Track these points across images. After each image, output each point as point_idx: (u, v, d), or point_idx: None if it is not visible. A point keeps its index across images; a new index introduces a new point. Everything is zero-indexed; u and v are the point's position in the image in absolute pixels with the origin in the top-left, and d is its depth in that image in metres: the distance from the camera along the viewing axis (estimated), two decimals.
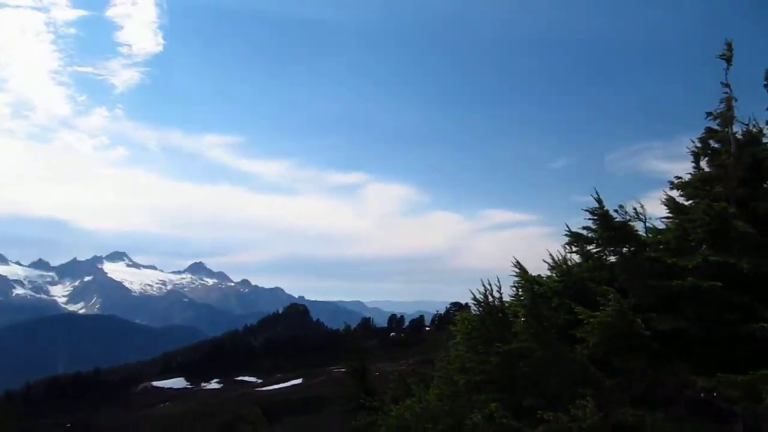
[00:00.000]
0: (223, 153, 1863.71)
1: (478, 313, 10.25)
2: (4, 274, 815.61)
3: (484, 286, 10.05)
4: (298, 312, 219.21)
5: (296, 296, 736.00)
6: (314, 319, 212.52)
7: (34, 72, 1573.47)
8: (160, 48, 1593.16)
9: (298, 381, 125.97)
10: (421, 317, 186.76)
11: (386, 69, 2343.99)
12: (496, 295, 10.11)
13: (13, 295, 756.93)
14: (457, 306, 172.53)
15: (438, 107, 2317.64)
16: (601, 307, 9.28)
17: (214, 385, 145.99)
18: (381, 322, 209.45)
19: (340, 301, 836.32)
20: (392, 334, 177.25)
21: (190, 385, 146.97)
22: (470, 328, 10.18)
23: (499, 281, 10.07)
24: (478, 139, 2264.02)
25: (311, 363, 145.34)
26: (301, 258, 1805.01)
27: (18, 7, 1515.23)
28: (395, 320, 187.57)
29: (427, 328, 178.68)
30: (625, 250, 10.69)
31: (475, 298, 10.15)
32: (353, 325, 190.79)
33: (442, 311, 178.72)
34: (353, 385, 22.29)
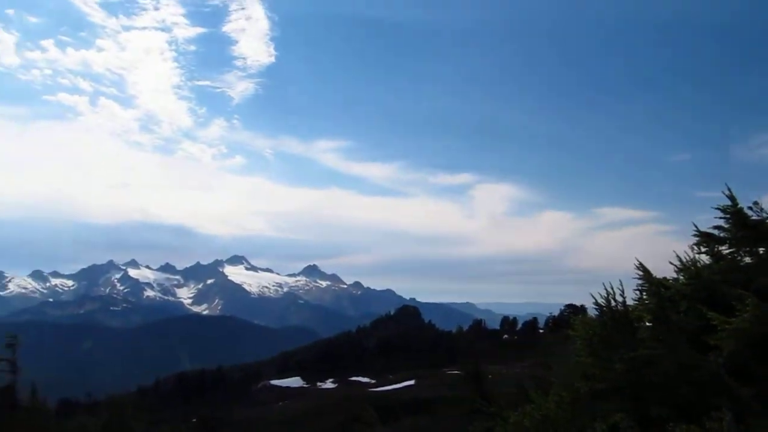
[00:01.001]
0: (334, 157, 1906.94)
1: (599, 317, 9.75)
2: (135, 277, 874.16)
3: (606, 289, 9.54)
4: (409, 313, 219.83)
5: (407, 298, 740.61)
6: (426, 320, 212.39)
7: (158, 88, 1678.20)
8: (273, 59, 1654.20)
9: (411, 382, 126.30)
10: (534, 319, 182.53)
11: (492, 68, 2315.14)
12: (619, 298, 9.58)
13: (144, 297, 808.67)
14: (571, 308, 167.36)
15: (546, 104, 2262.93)
16: (737, 312, 8.59)
17: (329, 384, 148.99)
18: (493, 323, 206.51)
19: (452, 303, 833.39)
20: (505, 336, 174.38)
21: (307, 384, 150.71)
22: (591, 333, 9.71)
23: (621, 284, 9.54)
24: (589, 135, 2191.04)
25: (423, 364, 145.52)
26: (412, 260, 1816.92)
27: (144, 28, 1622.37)
28: (508, 322, 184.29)
29: (541, 331, 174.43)
30: (762, 250, 9.84)
31: (596, 302, 9.65)
32: (465, 327, 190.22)
33: (555, 313, 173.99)
34: (468, 388, 21.97)
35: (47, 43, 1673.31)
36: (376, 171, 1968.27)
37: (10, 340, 15.19)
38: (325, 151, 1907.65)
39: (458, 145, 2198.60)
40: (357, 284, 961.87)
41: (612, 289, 9.51)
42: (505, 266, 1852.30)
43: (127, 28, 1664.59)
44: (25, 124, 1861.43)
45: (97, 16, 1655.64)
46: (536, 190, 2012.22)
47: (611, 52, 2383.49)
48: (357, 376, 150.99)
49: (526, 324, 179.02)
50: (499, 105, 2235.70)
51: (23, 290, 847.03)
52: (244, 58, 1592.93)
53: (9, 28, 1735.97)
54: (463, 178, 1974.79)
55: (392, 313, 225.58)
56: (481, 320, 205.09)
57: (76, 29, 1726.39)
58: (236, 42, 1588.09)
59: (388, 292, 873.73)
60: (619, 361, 9.03)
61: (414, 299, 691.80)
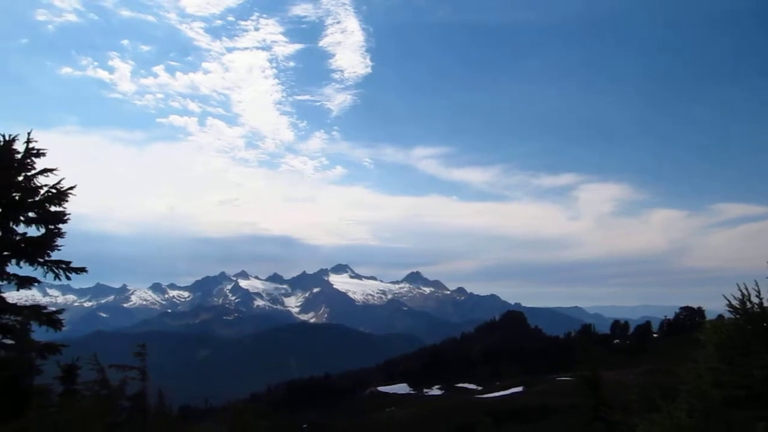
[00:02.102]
0: (433, 164, 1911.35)
1: (733, 321, 9.10)
2: (245, 287, 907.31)
3: (740, 290, 8.89)
4: (515, 319, 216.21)
5: (512, 303, 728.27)
6: (532, 326, 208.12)
7: (261, 105, 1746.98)
8: (369, 70, 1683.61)
9: (519, 389, 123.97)
10: (648, 323, 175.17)
11: (592, 64, 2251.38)
12: (755, 300, 8.91)
13: (254, 306, 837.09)
14: (688, 310, 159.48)
15: (651, 98, 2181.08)
16: None
17: (435, 391, 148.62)
18: (603, 328, 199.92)
19: (558, 307, 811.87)
20: (616, 341, 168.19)
21: (413, 391, 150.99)
22: (724, 337, 9.09)
23: (757, 285, 8.85)
24: (699, 128, 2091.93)
25: (532, 371, 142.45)
26: (515, 264, 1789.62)
27: (246, 49, 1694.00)
28: (619, 326, 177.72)
29: (655, 335, 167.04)
30: None
31: (729, 305, 9.02)
32: (573, 332, 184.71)
33: (670, 316, 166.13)
34: (587, 395, 21.18)
35: (158, 69, 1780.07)
36: (476, 176, 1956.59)
37: (139, 349, 16.02)
38: (424, 158, 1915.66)
39: (560, 145, 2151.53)
40: (460, 290, 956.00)
41: (746, 290, 8.86)
42: (613, 268, 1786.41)
43: (230, 50, 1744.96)
44: (142, 147, 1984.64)
45: (203, 40, 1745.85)
46: (644, 188, 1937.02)
47: (719, 37, 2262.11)
48: (463, 382, 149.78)
49: (638, 328, 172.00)
50: (602, 102, 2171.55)
51: (144, 302, 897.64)
52: (341, 71, 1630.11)
53: (125, 58, 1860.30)
54: (567, 178, 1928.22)
55: (497, 318, 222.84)
56: (590, 325, 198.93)
57: (184, 54, 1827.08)
58: (333, 55, 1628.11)
59: (492, 298, 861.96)
60: (759, 368, 8.40)
61: (519, 304, 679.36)
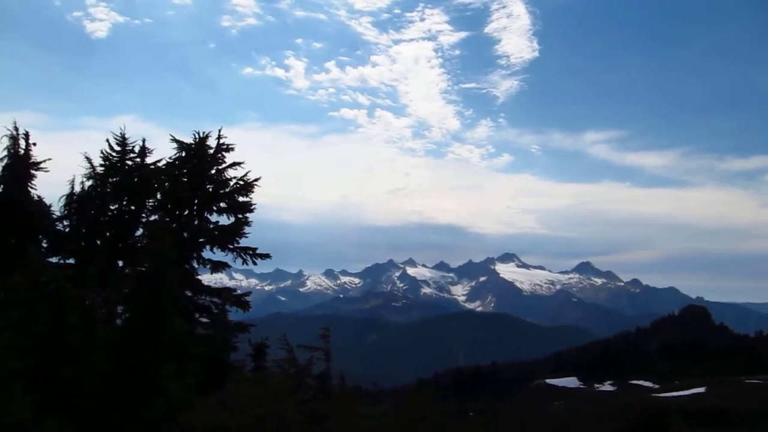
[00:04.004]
0: (605, 149, 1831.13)
1: None
2: (413, 275, 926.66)
3: None
4: (696, 314, 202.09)
5: (693, 297, 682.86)
6: (717, 322, 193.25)
7: (428, 95, 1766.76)
8: (536, 54, 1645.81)
9: (701, 389, 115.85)
10: None
11: None
12: None
13: (421, 294, 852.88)
14: None
15: None
16: None
17: (607, 387, 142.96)
18: None
19: (747, 303, 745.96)
20: None
21: (583, 385, 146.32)
22: None
23: None
24: None
25: (715, 371, 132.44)
26: (697, 255, 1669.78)
27: (412, 40, 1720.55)
28: None
29: None
30: None
31: None
32: (766, 332, 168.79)
33: None
34: None
35: (330, 64, 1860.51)
36: (653, 160, 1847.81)
37: (324, 331, 17.12)
38: (595, 143, 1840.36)
39: (751, 124, 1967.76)
40: (635, 282, 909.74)
41: None
42: None
43: (396, 42, 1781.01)
44: (315, 140, 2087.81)
45: (370, 34, 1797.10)
46: None
47: None
48: (638, 379, 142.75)
49: None
50: None
51: (318, 287, 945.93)
52: (507, 57, 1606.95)
53: (299, 56, 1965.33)
54: (757, 161, 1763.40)
55: (676, 313, 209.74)
56: None
57: (353, 48, 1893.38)
58: (499, 41, 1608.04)
59: (671, 291, 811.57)
60: None
61: (701, 299, 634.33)
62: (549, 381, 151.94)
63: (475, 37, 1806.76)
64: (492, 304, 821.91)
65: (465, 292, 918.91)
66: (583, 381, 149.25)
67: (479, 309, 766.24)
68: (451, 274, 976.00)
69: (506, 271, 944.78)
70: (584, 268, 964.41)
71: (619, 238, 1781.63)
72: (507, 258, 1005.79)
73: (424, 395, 16.61)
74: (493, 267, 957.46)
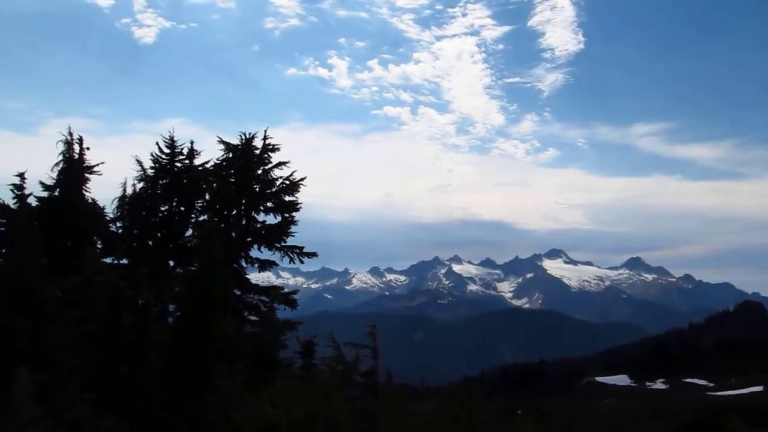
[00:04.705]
0: (654, 141, 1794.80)
1: None
2: (459, 272, 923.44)
3: None
4: (753, 310, 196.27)
5: (749, 292, 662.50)
6: None
7: (471, 90, 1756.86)
8: (582, 46, 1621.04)
9: (759, 388, 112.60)
10: None
11: None
12: None
13: (468, 291, 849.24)
14: None
15: None
16: None
17: (659, 385, 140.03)
18: None
19: None
20: None
21: (634, 383, 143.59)
22: None
23: None
24: None
25: None
26: (754, 249, 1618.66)
27: (454, 36, 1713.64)
28: None
29: None
30: None
31: None
32: None
33: None
34: None
35: (372, 63, 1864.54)
36: (706, 152, 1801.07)
37: (371, 329, 17.21)
38: (644, 136, 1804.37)
39: None
40: (687, 277, 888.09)
41: None
42: None
43: (439, 38, 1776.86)
44: (359, 138, 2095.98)
45: (413, 31, 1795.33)
46: None
47: None
48: (692, 377, 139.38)
49: None
50: None
51: (364, 285, 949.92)
52: (551, 49, 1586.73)
53: (342, 55, 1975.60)
54: None
55: (731, 309, 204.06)
56: None
57: (395, 46, 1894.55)
58: (543, 34, 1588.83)
59: (725, 286, 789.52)
60: None
61: (758, 294, 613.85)
62: (599, 379, 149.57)
63: (518, 30, 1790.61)
64: (539, 301, 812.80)
65: (512, 289, 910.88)
66: (634, 379, 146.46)
67: (526, 306, 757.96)
68: (497, 271, 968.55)
69: (553, 267, 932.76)
70: (634, 264, 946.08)
71: (670, 233, 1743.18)
72: (554, 254, 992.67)
73: (471, 392, 16.53)
74: (539, 263, 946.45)
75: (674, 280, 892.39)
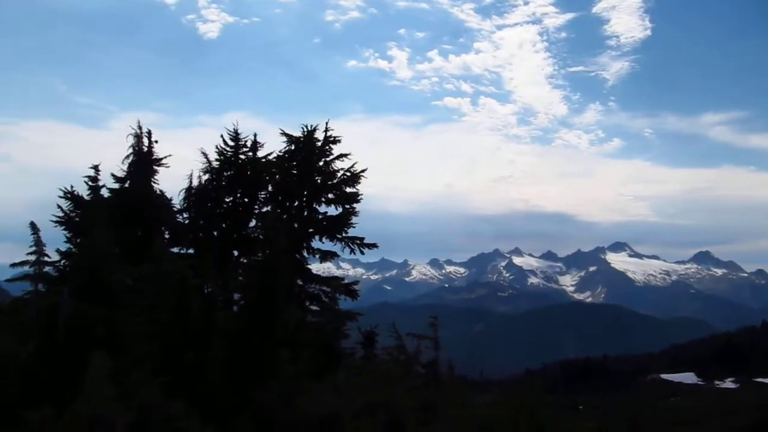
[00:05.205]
0: (726, 131, 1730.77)
1: None
2: (519, 264, 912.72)
3: None
4: None
5: None
6: None
7: (533, 80, 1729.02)
8: (648, 32, 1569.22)
9: None
10: None
11: None
12: None
13: (528, 283, 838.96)
14: None
15: None
16: None
17: (729, 384, 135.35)
18: None
19: None
20: None
21: (702, 381, 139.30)
22: None
23: None
24: None
25: None
26: None
27: (515, 24, 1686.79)
28: None
29: None
30: None
31: None
32: None
33: None
34: None
35: (432, 53, 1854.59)
36: None
37: (432, 320, 17.26)
38: (714, 125, 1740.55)
39: None
40: (760, 272, 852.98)
41: None
42: None
43: (500, 27, 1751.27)
44: (419, 130, 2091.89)
45: (473, 21, 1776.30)
46: None
47: None
48: (764, 377, 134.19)
49: None
50: None
51: (423, 276, 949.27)
52: (617, 37, 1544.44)
53: (402, 46, 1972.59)
54: None
55: None
56: None
57: (456, 36, 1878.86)
58: (607, 21, 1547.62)
59: None
60: None
61: None
62: (664, 376, 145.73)
63: (582, 18, 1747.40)
64: (602, 295, 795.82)
65: (574, 283, 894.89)
66: (701, 377, 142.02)
67: (589, 300, 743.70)
68: (559, 264, 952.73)
69: (617, 260, 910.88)
70: (703, 258, 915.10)
71: (742, 226, 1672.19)
72: (618, 247, 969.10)
73: (533, 386, 16.38)
74: (603, 256, 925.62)
75: (746, 275, 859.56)
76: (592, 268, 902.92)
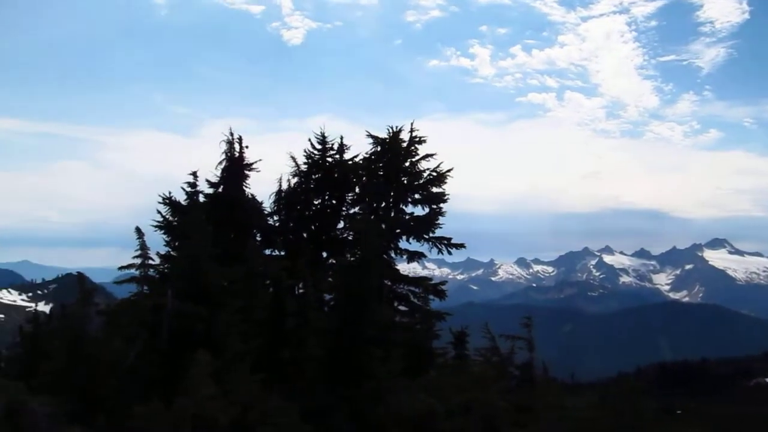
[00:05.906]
0: None
1: None
2: (610, 263, 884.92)
3: None
4: None
5: None
6: None
7: (621, 72, 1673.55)
8: (746, 16, 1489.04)
9: None
10: None
11: None
12: None
13: (620, 283, 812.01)
14: None
15: None
16: None
17: None
18: None
19: None
20: None
21: None
22: None
23: None
24: None
25: None
26: None
27: (602, 15, 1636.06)
28: None
29: None
30: None
31: None
32: None
33: None
34: None
35: (515, 49, 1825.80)
36: None
37: (526, 320, 17.00)
38: None
39: None
40: None
41: None
42: None
43: (585, 19, 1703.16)
44: (503, 127, 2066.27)
45: (557, 14, 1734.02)
46: None
47: None
48: None
49: None
50: None
51: (510, 276, 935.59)
52: (711, 23, 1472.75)
53: (484, 43, 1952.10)
54: None
55: None
56: None
57: (539, 30, 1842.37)
58: (700, 6, 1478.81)
59: None
60: None
61: None
62: None
63: (672, 4, 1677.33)
64: (700, 294, 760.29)
65: (669, 281, 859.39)
66: None
67: (685, 299, 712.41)
68: (652, 262, 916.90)
69: (716, 258, 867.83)
70: None
71: None
72: (717, 244, 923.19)
73: (631, 389, 15.85)
74: (700, 254, 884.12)
75: None
76: (688, 266, 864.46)
